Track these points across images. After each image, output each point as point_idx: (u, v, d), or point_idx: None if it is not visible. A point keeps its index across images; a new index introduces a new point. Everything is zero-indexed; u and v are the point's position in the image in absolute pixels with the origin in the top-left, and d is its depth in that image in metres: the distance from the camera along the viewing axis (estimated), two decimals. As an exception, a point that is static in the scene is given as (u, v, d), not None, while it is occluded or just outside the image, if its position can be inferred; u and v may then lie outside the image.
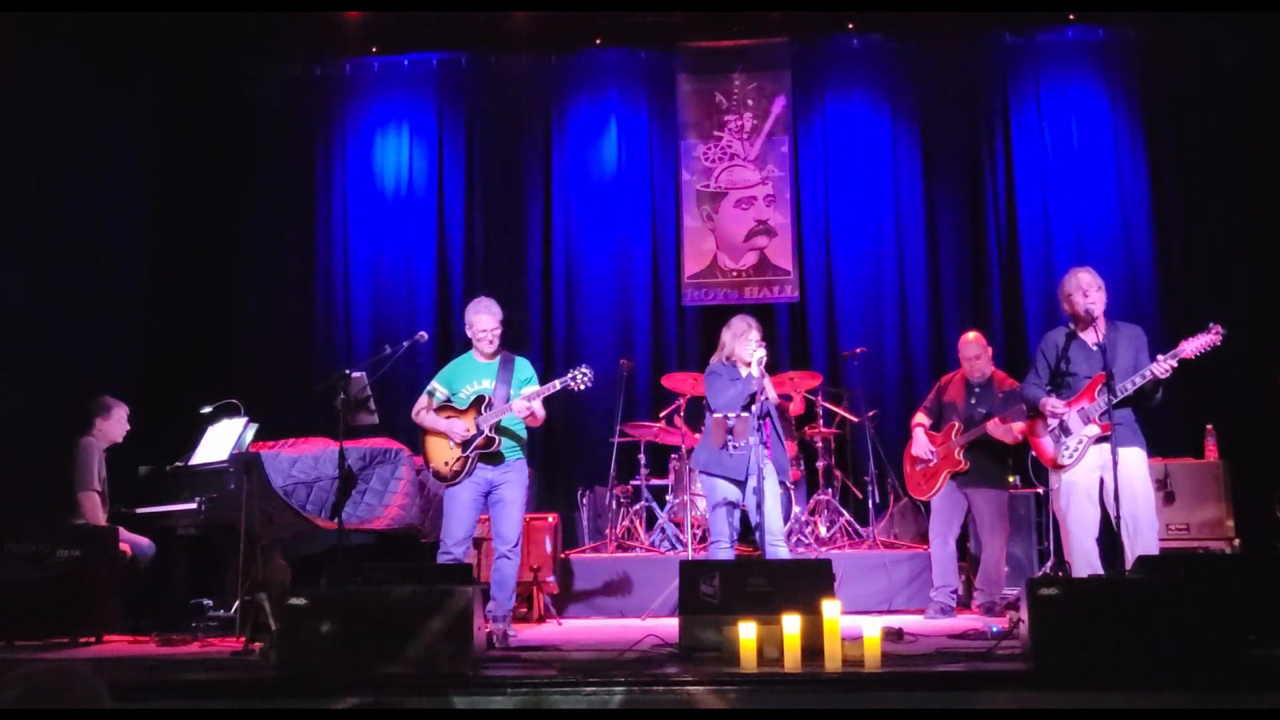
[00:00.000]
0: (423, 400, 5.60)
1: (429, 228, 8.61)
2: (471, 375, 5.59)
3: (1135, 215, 8.14)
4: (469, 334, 5.64)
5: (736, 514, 5.48)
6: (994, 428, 6.03)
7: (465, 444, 5.42)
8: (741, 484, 5.35)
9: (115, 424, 6.14)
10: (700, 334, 8.44)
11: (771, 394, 5.46)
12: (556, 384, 5.47)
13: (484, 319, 5.56)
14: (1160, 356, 4.91)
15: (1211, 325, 4.90)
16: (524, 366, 5.67)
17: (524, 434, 5.60)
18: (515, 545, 5.47)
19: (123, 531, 5.90)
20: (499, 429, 5.45)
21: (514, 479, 5.50)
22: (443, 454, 5.48)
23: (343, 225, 8.64)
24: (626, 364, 7.52)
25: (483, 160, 8.70)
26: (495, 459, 5.46)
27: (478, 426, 5.43)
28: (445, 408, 5.56)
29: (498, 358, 5.61)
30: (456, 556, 5.38)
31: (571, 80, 8.73)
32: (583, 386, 5.49)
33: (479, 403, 5.49)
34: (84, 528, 5.70)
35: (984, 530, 6.18)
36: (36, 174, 6.94)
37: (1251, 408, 7.21)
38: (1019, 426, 5.84)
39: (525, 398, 5.42)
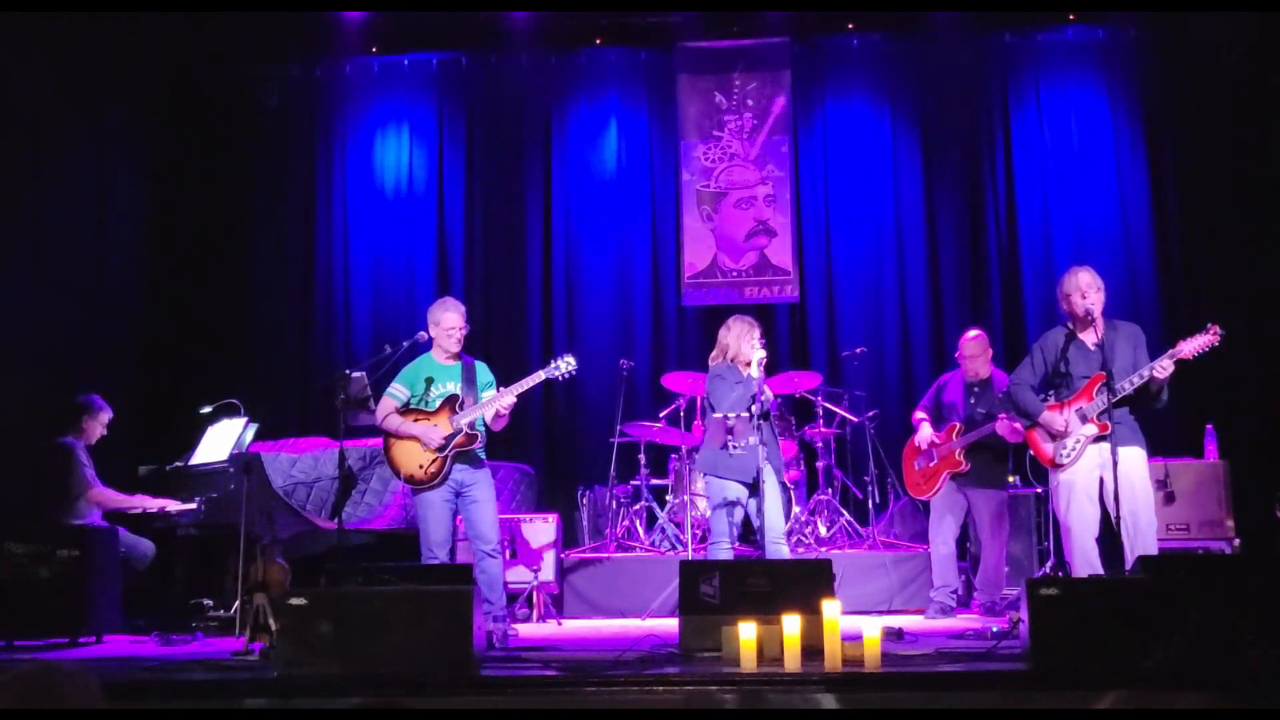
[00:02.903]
0: (388, 404, 5.46)
1: (429, 228, 8.60)
2: (438, 377, 5.50)
3: (1135, 215, 8.13)
4: (433, 333, 5.52)
5: (738, 514, 5.46)
6: (1002, 426, 6.00)
7: (442, 445, 5.35)
8: (748, 484, 5.36)
9: (100, 425, 6.16)
10: (700, 334, 8.43)
11: (768, 394, 5.45)
12: (540, 374, 5.45)
13: (453, 316, 5.48)
14: (1164, 354, 4.91)
15: (1209, 326, 4.89)
16: (484, 371, 5.62)
17: (484, 437, 5.54)
18: (497, 543, 5.43)
19: (148, 499, 5.94)
20: (473, 426, 5.41)
21: (483, 478, 5.45)
22: (416, 457, 5.36)
23: (343, 225, 8.63)
24: (626, 364, 7.52)
25: (483, 160, 8.70)
26: (470, 458, 5.41)
27: (454, 425, 5.37)
28: (409, 411, 5.46)
29: (459, 361, 5.55)
30: (441, 560, 5.34)
31: (571, 80, 8.73)
32: (565, 376, 5.48)
33: (451, 402, 5.42)
34: (84, 528, 5.71)
35: (984, 531, 6.18)
36: (36, 174, 6.94)
37: (1251, 408, 7.21)
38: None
39: (510, 390, 5.38)
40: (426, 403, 5.46)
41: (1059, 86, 8.35)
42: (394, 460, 5.44)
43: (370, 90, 8.72)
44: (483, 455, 5.49)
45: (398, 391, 5.50)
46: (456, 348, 5.52)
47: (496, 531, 5.45)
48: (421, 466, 5.34)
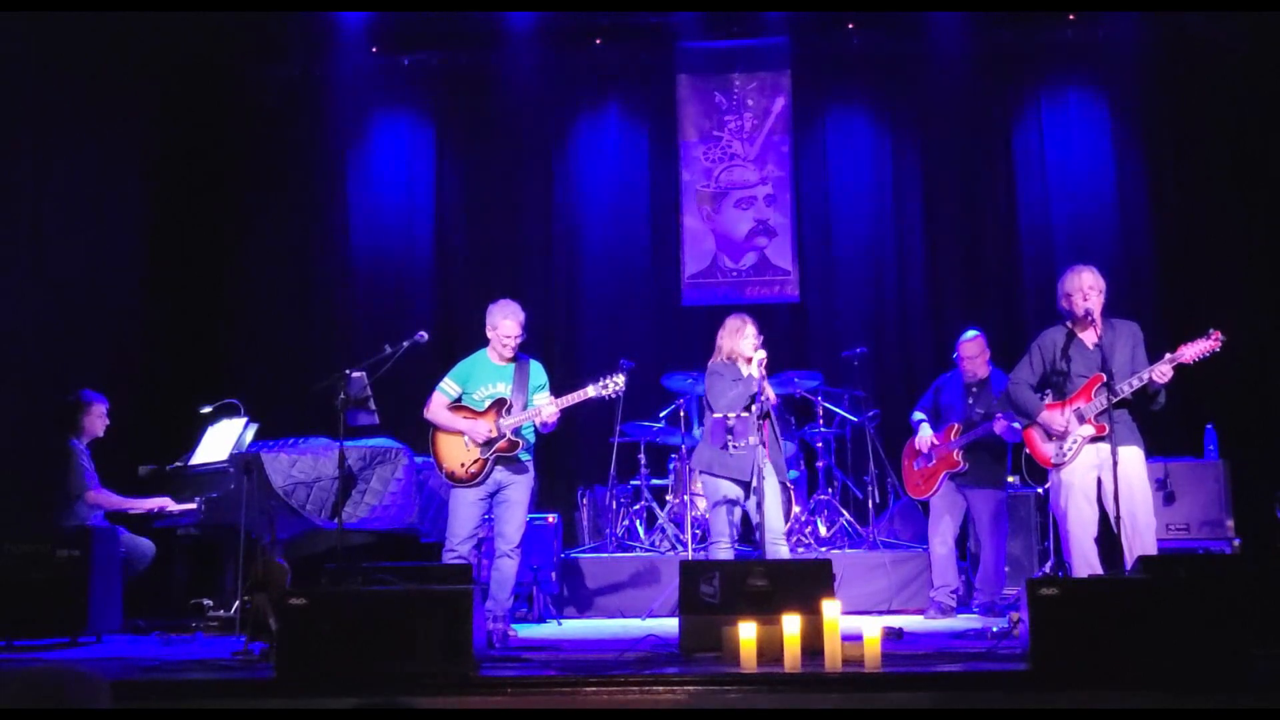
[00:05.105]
0: (437, 398, 5.57)
1: (428, 228, 8.60)
2: (488, 377, 5.57)
3: (1135, 216, 8.13)
4: (489, 334, 5.61)
5: (737, 513, 5.46)
6: (1000, 426, 6.00)
7: (485, 445, 5.40)
8: (745, 484, 5.33)
9: (96, 418, 6.15)
10: (700, 334, 8.40)
11: (770, 394, 5.44)
12: (590, 390, 5.47)
13: (510, 325, 5.55)
14: (1164, 358, 4.89)
15: (1211, 331, 4.87)
16: (538, 372, 5.67)
17: (533, 438, 5.60)
18: (518, 546, 5.47)
19: (145, 503, 5.93)
20: (517, 432, 5.45)
21: (522, 481, 5.51)
22: (459, 455, 5.45)
23: (343, 225, 8.63)
24: (626, 364, 7.51)
25: (482, 160, 8.70)
26: (512, 462, 5.46)
27: (499, 429, 5.42)
28: (459, 408, 5.54)
29: (513, 362, 5.60)
30: (462, 555, 5.39)
31: (572, 80, 8.72)
32: (614, 395, 5.51)
33: (499, 405, 5.48)
34: (84, 528, 5.71)
35: (983, 530, 6.18)
36: (36, 174, 6.93)
37: (1251, 408, 7.21)
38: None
39: (554, 403, 5.41)
40: (475, 402, 5.50)
41: (1059, 86, 8.35)
42: (438, 455, 5.53)
43: (370, 90, 8.71)
44: (525, 458, 5.53)
45: (449, 388, 5.59)
46: (510, 354, 5.59)
47: (521, 534, 5.50)
48: (463, 465, 5.42)
